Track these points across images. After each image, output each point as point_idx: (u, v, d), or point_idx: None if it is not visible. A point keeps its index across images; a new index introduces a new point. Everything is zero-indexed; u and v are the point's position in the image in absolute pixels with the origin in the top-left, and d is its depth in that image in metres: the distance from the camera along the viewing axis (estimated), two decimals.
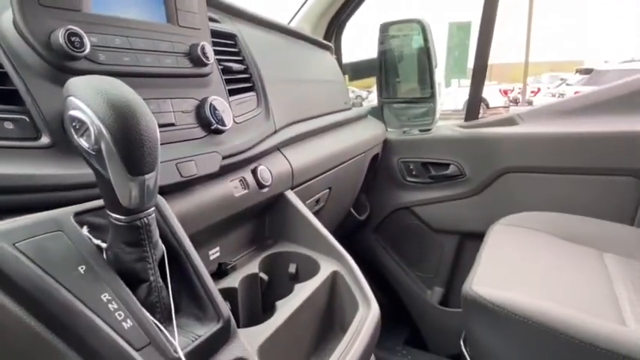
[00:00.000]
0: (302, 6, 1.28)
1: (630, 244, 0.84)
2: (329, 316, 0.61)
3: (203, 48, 0.54)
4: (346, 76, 1.45)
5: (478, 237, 0.93)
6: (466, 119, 1.27)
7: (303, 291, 0.56)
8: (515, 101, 12.32)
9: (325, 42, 1.09)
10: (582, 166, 1.02)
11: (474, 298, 0.63)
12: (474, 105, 1.26)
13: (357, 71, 1.50)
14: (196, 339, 0.36)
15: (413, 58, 1.31)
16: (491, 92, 12.98)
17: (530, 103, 10.85)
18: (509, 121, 1.17)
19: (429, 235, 1.27)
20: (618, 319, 0.59)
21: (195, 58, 0.54)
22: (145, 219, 0.33)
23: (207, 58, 0.55)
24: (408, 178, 1.26)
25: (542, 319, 0.57)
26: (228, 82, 0.63)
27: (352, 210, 1.21)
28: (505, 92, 13.19)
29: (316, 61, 1.01)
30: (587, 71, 7.93)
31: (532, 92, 12.18)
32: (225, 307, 0.40)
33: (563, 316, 0.57)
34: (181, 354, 0.32)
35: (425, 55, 1.26)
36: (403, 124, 1.33)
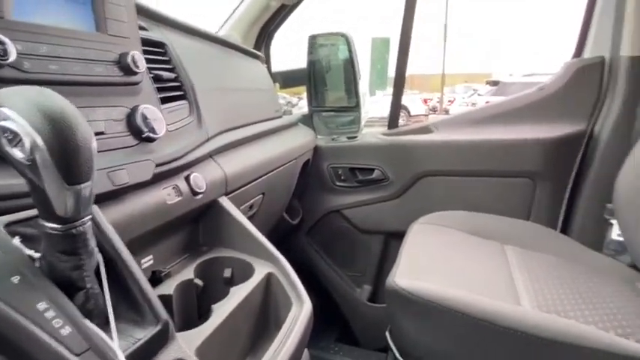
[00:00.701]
0: (232, 14, 1.30)
1: (526, 236, 0.97)
2: (264, 316, 0.64)
3: (133, 56, 0.55)
4: (277, 84, 1.48)
5: (401, 236, 1.01)
6: (388, 127, 1.37)
7: (238, 293, 0.58)
8: (434, 109, 13.26)
9: (256, 51, 1.11)
10: (487, 169, 1.16)
11: (395, 291, 0.70)
12: (395, 115, 1.36)
13: (287, 80, 1.54)
14: (136, 342, 0.37)
15: (339, 69, 1.39)
16: (413, 101, 13.84)
17: (446, 111, 11.75)
18: (426, 130, 1.28)
19: (357, 236, 1.34)
20: (515, 301, 0.68)
21: (125, 67, 0.54)
22: (80, 227, 0.34)
23: (137, 66, 0.55)
24: (337, 183, 1.33)
25: (454, 304, 0.65)
26: (159, 90, 0.63)
27: (285, 214, 1.25)
28: (425, 101, 14.13)
29: (247, 70, 1.04)
30: (495, 83, 8.79)
31: (449, 101, 13.21)
32: (163, 311, 0.41)
33: (469, 301, 0.65)
34: (121, 357, 0.33)
35: (350, 66, 1.34)
36: (332, 131, 1.40)
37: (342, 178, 1.32)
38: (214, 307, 0.54)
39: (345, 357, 1.25)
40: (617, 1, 1.07)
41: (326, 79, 1.42)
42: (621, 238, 0.97)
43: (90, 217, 0.35)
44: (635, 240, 0.85)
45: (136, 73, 0.56)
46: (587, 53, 1.14)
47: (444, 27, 11.34)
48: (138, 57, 0.56)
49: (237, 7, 1.28)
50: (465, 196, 1.17)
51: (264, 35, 1.33)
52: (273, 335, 0.57)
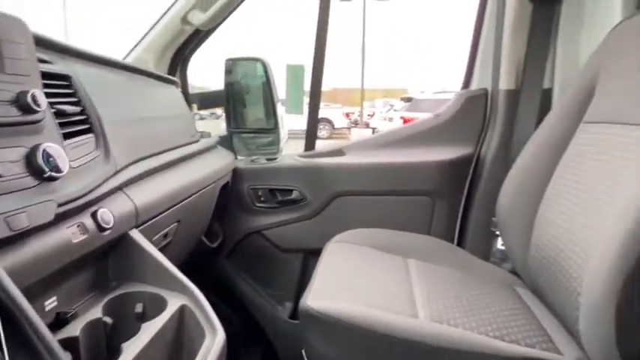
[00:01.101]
0: (144, 37, 1.28)
1: (426, 250, 1.09)
2: (178, 350, 0.64)
3: (33, 95, 0.54)
4: (194, 106, 1.48)
5: (318, 252, 1.07)
6: (305, 149, 1.43)
7: (149, 329, 0.58)
8: (356, 123, 13.85)
9: (170, 77, 1.11)
10: (393, 189, 1.27)
11: (307, 312, 0.74)
12: (311, 137, 1.43)
13: (204, 101, 1.54)
14: None
15: (258, 91, 1.43)
16: (336, 114, 14.34)
17: (367, 125, 12.34)
18: (339, 152, 1.37)
19: (278, 255, 1.37)
20: (413, 313, 0.77)
21: (25, 106, 0.53)
22: None
23: (37, 104, 0.54)
24: (257, 204, 1.36)
25: (359, 321, 0.71)
26: (62, 125, 0.62)
27: (204, 238, 1.24)
28: (347, 115, 14.73)
29: (161, 97, 1.03)
30: (409, 100, 9.46)
31: (369, 115, 13.88)
32: (64, 356, 0.41)
33: (372, 316, 0.72)
34: None
35: (268, 90, 1.39)
36: (252, 152, 1.43)
37: (262, 199, 1.36)
38: (124, 345, 0.54)
39: None
40: (496, 38, 1.24)
41: (244, 102, 1.46)
42: (504, 248, 1.12)
43: None
44: (513, 249, 0.99)
45: (36, 112, 0.54)
46: (474, 85, 1.31)
47: (361, 46, 11.95)
48: (38, 94, 0.54)
49: (149, 30, 1.27)
50: (375, 215, 1.27)
51: (179, 59, 1.32)
52: (193, 354, 0.58)
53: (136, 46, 1.28)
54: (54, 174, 0.54)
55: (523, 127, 1.15)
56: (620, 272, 0.58)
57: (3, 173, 0.49)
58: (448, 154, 1.26)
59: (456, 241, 1.29)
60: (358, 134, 10.52)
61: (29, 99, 0.53)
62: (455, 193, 1.26)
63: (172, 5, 1.24)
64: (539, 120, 1.02)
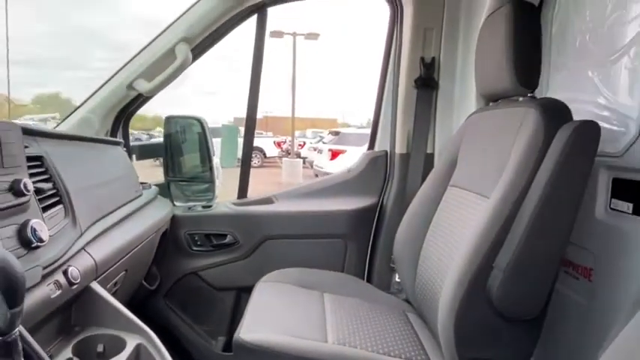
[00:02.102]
0: (90, 97, 1.41)
1: (339, 285, 1.32)
2: None
3: (25, 183, 0.69)
4: (134, 156, 1.62)
5: (249, 290, 1.25)
6: (238, 197, 1.63)
7: None
8: (288, 152, 14.17)
9: (116, 139, 1.27)
10: (313, 233, 1.51)
11: (240, 344, 0.93)
12: (244, 187, 1.63)
13: (143, 152, 1.68)
14: None
15: (195, 145, 1.61)
16: (267, 143, 14.57)
17: (298, 155, 12.72)
18: (269, 200, 1.58)
19: (212, 294, 1.53)
20: (323, 339, 0.99)
21: (18, 192, 0.68)
22: (14, 335, 0.49)
23: (27, 190, 0.70)
24: (194, 248, 1.51)
25: (281, 348, 0.92)
26: (40, 200, 0.77)
27: (143, 281, 1.37)
28: (279, 144, 15.02)
29: (110, 159, 1.18)
30: (337, 133, 10.02)
31: (299, 145, 14.29)
32: None
33: (292, 343, 0.93)
34: None
35: (204, 144, 1.57)
36: (188, 198, 1.59)
37: (198, 243, 1.52)
38: None
39: None
40: (392, 113, 1.57)
41: (182, 154, 1.62)
42: (399, 280, 1.40)
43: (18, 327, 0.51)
44: (405, 281, 1.26)
45: (25, 195, 0.70)
46: (377, 147, 1.62)
47: (292, 80, 12.45)
48: (27, 182, 0.70)
49: (96, 91, 1.41)
50: (298, 255, 1.49)
51: (121, 118, 1.47)
52: None
53: (79, 107, 1.41)
54: (39, 244, 0.70)
55: (413, 182, 1.47)
56: (457, 295, 0.85)
57: (3, 247, 0.64)
58: (357, 204, 1.54)
59: (365, 276, 1.55)
60: (290, 164, 10.80)
61: (22, 186, 0.69)
62: (363, 236, 1.53)
63: (117, 73, 1.40)
64: (424, 177, 1.33)
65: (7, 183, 0.67)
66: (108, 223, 0.99)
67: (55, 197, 0.83)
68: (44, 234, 0.71)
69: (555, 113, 0.86)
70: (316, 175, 9.44)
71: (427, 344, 1.05)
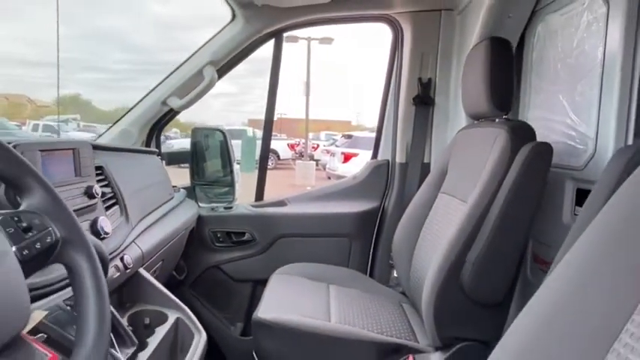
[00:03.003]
0: (128, 112, 1.63)
1: (344, 279, 1.51)
2: (175, 347, 1.00)
3: (95, 189, 0.90)
4: (163, 161, 1.83)
5: (264, 282, 1.45)
6: (255, 200, 1.83)
7: (159, 333, 0.94)
8: (301, 155, 14.41)
9: (152, 149, 1.48)
10: (321, 232, 1.69)
11: (259, 321, 1.13)
12: (260, 190, 1.83)
13: (172, 159, 1.89)
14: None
15: (217, 153, 1.81)
16: (281, 146, 14.82)
17: (311, 157, 12.94)
18: (282, 203, 1.78)
19: (231, 285, 1.73)
20: (327, 319, 1.17)
21: (91, 195, 0.89)
22: None
23: (97, 193, 0.91)
24: (216, 244, 1.72)
25: (292, 324, 1.11)
26: (103, 202, 0.98)
27: (174, 272, 1.58)
28: (293, 146, 15.25)
29: (149, 167, 1.39)
30: (349, 137, 10.20)
31: (313, 147, 14.50)
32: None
33: (300, 321, 1.11)
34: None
35: (226, 152, 1.78)
36: (211, 200, 1.80)
37: (220, 240, 1.72)
38: (148, 340, 0.90)
39: None
40: (393, 125, 1.75)
41: (206, 160, 1.83)
42: (397, 275, 1.58)
43: None
44: (401, 276, 1.44)
45: (95, 198, 0.91)
46: (380, 156, 1.80)
47: (306, 82, 12.68)
48: (96, 187, 0.91)
49: (134, 106, 1.63)
50: (308, 251, 1.68)
51: (155, 130, 1.68)
52: (187, 349, 0.94)
53: (118, 121, 1.63)
54: (105, 236, 0.90)
55: (410, 188, 1.65)
56: (436, 284, 1.03)
57: None
58: (361, 207, 1.72)
59: (368, 271, 1.74)
60: (303, 166, 11.00)
61: (93, 191, 0.89)
62: (366, 236, 1.71)
63: (152, 91, 1.62)
64: (420, 184, 1.50)
65: (83, 188, 0.88)
66: (150, 220, 1.20)
67: (113, 199, 1.04)
68: (108, 228, 0.92)
69: (520, 134, 1.04)
70: (329, 178, 9.64)
71: (417, 329, 1.22)
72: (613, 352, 0.40)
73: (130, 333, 0.77)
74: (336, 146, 10.45)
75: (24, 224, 0.47)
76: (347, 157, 9.08)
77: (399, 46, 1.71)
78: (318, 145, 14.74)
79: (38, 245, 0.47)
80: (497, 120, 1.18)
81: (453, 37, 1.61)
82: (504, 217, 0.97)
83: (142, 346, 0.89)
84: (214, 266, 1.71)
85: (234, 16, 1.59)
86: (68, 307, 0.69)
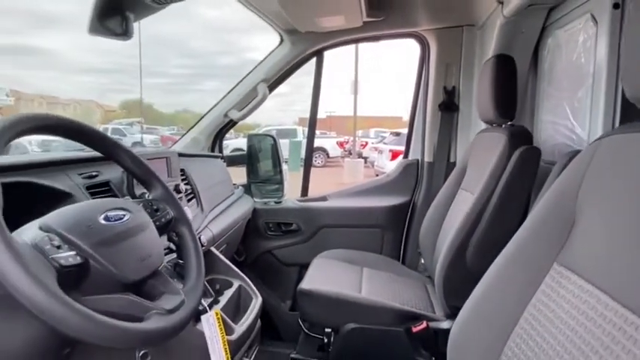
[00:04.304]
0: (198, 122, 1.98)
1: (376, 263, 1.75)
2: (238, 306, 1.30)
3: (180, 186, 1.22)
4: (225, 163, 2.18)
5: (309, 265, 1.73)
6: (301, 196, 2.12)
7: (227, 294, 1.24)
8: (350, 152, 14.63)
9: (218, 155, 1.81)
10: (358, 223, 1.95)
11: (301, 291, 1.41)
12: (305, 188, 2.12)
13: (231, 161, 2.24)
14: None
15: (268, 155, 2.12)
16: (330, 144, 15.11)
17: (360, 155, 13.13)
18: (324, 198, 2.05)
19: (281, 268, 2.03)
20: (359, 291, 1.43)
21: (178, 191, 1.21)
22: None
23: (181, 190, 1.23)
24: (269, 233, 2.03)
25: (329, 294, 1.37)
26: (185, 196, 1.30)
27: (235, 255, 1.91)
28: (341, 144, 15.50)
29: (215, 168, 1.73)
30: (398, 134, 10.29)
31: (361, 145, 14.65)
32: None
33: (334, 290, 1.38)
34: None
35: (275, 154, 2.08)
36: (263, 195, 2.11)
37: (272, 229, 2.03)
38: (219, 298, 1.20)
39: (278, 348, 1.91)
40: (422, 125, 1.96)
41: (260, 161, 2.15)
42: (424, 262, 1.80)
43: None
44: (427, 262, 1.66)
45: (180, 193, 1.23)
46: (410, 156, 2.02)
47: (354, 80, 12.86)
48: (181, 185, 1.23)
49: (202, 118, 1.97)
50: (345, 240, 1.94)
51: (220, 137, 2.03)
52: (241, 315, 1.24)
53: (190, 130, 1.98)
54: None
55: (437, 185, 1.85)
56: (445, 262, 1.25)
57: None
58: (394, 201, 1.95)
59: (400, 259, 1.97)
60: (351, 164, 11.23)
61: (180, 188, 1.22)
62: (398, 227, 1.94)
63: (216, 105, 1.95)
64: (445, 181, 1.71)
65: (173, 186, 1.21)
66: (217, 211, 1.52)
67: (191, 194, 1.37)
68: (190, 216, 1.24)
69: (517, 139, 1.23)
70: (377, 175, 9.79)
71: (435, 303, 1.45)
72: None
73: (209, 287, 1.08)
74: (385, 144, 10.58)
75: (154, 207, 0.78)
76: (395, 155, 9.19)
77: (426, 59, 1.92)
78: (367, 143, 14.86)
79: (163, 220, 0.77)
80: (503, 126, 1.37)
81: (474, 49, 1.80)
82: (500, 208, 1.17)
83: (216, 300, 1.20)
84: (267, 251, 2.02)
85: (281, 40, 1.88)
86: (170, 266, 1.00)
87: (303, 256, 1.99)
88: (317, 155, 13.60)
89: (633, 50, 0.56)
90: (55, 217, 0.60)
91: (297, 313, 2.00)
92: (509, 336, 0.68)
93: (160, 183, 0.82)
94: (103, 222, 0.63)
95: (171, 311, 0.63)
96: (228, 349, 0.98)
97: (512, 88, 1.32)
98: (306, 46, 1.88)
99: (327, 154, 14.56)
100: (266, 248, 2.02)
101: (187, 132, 1.99)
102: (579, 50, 1.32)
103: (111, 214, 0.65)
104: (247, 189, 2.09)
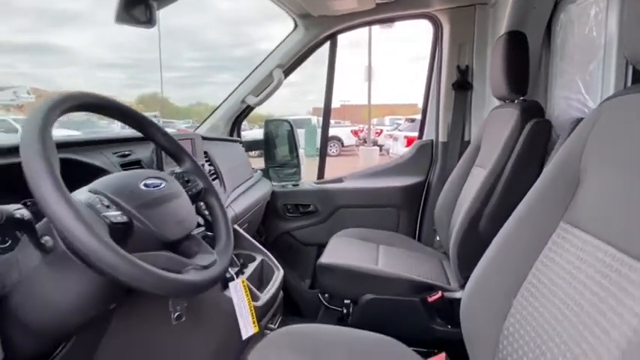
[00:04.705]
0: (215, 110, 2.05)
1: (392, 240, 1.80)
2: (261, 278, 1.38)
3: (205, 166, 1.29)
4: (243, 147, 2.25)
5: (326, 244, 1.79)
6: (318, 178, 2.18)
7: (250, 267, 1.32)
8: (364, 141, 14.59)
9: (237, 139, 1.88)
10: (374, 203, 2.00)
11: (321, 265, 1.47)
12: (321, 170, 2.17)
13: (250, 146, 2.30)
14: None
15: (285, 140, 2.18)
16: (345, 132, 15.09)
17: (375, 142, 13.09)
18: (339, 180, 2.11)
19: (300, 247, 2.10)
20: (376, 264, 1.49)
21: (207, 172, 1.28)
22: None
23: (205, 171, 1.30)
24: (287, 214, 2.09)
25: (348, 267, 1.43)
26: (210, 176, 1.37)
27: (256, 234, 1.99)
28: (356, 133, 15.47)
29: (235, 152, 1.80)
30: (412, 120, 10.23)
31: (376, 133, 14.59)
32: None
33: (354, 264, 1.44)
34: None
35: (292, 139, 2.14)
36: (281, 179, 2.18)
37: (290, 211, 2.10)
38: (244, 270, 1.28)
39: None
40: (436, 104, 1.98)
41: (277, 146, 2.21)
42: (439, 239, 1.84)
43: None
44: (442, 239, 1.71)
45: (208, 172, 1.30)
46: (425, 136, 2.05)
47: (368, 68, 12.78)
48: (205, 166, 1.30)
49: (220, 105, 2.04)
50: (362, 220, 1.99)
51: (238, 123, 2.09)
52: (263, 287, 1.31)
53: (209, 117, 2.05)
54: None
55: (451, 163, 1.88)
56: (459, 233, 1.30)
57: None
58: (409, 181, 1.99)
59: (416, 236, 2.01)
60: (366, 152, 11.23)
61: (205, 168, 1.29)
62: (413, 206, 1.99)
63: (234, 91, 2.02)
64: (459, 160, 1.75)
65: (200, 164, 1.28)
66: (238, 192, 1.60)
67: (214, 174, 1.44)
68: None
69: (528, 113, 1.26)
70: None
71: (450, 276, 1.50)
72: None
73: (235, 258, 1.15)
74: (399, 130, 10.54)
75: (185, 179, 0.85)
76: (409, 141, 9.16)
77: (439, 39, 1.94)
78: (381, 131, 14.79)
79: (194, 190, 0.84)
80: (515, 101, 1.40)
81: (486, 28, 1.81)
82: (512, 180, 1.21)
83: (241, 271, 1.27)
84: (286, 232, 2.09)
85: (296, 25, 1.93)
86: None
87: (321, 236, 2.05)
88: (331, 144, 13.59)
89: (635, 17, 0.59)
90: (102, 182, 0.67)
91: (317, 290, 2.07)
92: (518, 290, 0.72)
93: (188, 157, 0.89)
94: (143, 188, 0.70)
95: (206, 267, 0.70)
96: (254, 314, 1.06)
97: (524, 64, 1.35)
98: (320, 30, 1.92)
99: (342, 143, 14.54)
100: (285, 229, 2.09)
101: (207, 118, 2.06)
102: (591, 24, 1.33)
103: (149, 181, 0.72)
104: (265, 173, 2.15)
